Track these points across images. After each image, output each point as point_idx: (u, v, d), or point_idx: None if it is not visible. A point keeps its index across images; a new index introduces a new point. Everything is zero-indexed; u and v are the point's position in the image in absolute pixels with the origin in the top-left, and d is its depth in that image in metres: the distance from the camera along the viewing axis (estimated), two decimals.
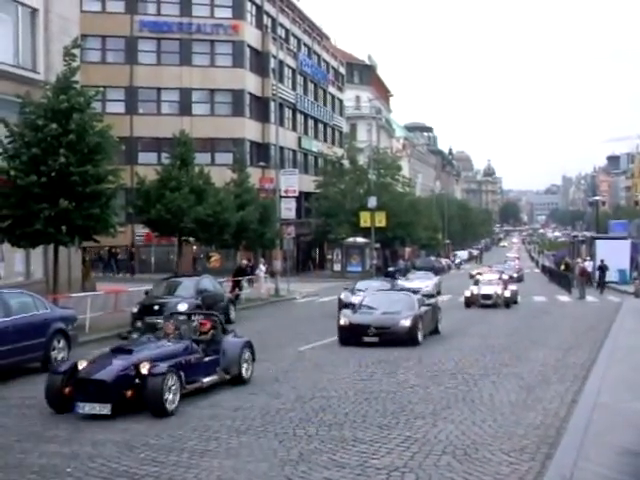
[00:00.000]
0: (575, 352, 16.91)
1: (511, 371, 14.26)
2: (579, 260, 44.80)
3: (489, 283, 31.61)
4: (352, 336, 18.11)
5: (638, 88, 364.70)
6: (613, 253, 43.60)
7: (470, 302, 29.71)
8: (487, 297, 29.67)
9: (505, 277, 41.29)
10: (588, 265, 40.78)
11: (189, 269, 41.70)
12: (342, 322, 18.58)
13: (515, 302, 30.85)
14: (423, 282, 36.66)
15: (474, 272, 51.81)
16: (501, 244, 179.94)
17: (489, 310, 28.44)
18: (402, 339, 17.83)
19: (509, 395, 11.94)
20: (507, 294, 29.84)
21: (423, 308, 19.60)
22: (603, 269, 40.68)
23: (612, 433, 8.78)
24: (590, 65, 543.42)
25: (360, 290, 25.87)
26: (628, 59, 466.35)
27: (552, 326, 23.15)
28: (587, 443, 8.26)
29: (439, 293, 36.07)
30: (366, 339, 17.85)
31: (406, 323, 18.16)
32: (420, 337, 18.38)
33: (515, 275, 52.49)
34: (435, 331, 20.39)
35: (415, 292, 21.88)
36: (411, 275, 41.77)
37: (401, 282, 34.93)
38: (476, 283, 33.23)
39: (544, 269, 76.35)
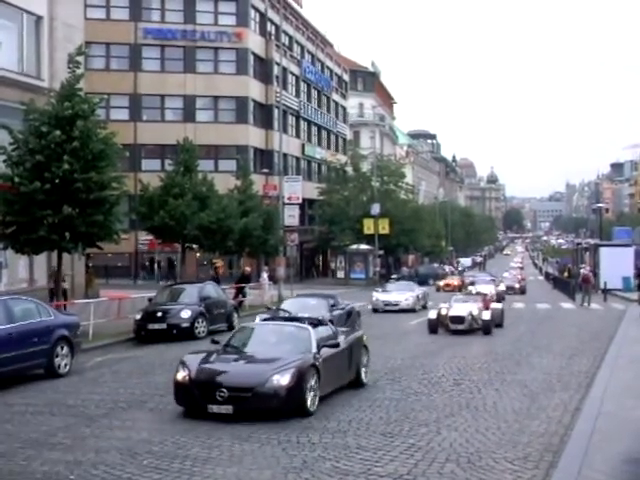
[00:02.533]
0: (579, 360, 16.87)
1: (515, 379, 14.23)
2: (582, 267, 44.75)
3: (464, 301, 24.05)
4: (193, 401, 11.02)
5: None
6: (617, 260, 43.54)
7: (435, 326, 22.63)
8: (458, 320, 22.33)
9: (501, 288, 39.72)
10: (588, 272, 40.68)
11: (193, 276, 41.68)
12: (179, 376, 11.21)
13: (499, 325, 23.79)
14: (402, 294, 31.99)
15: (467, 280, 49.84)
16: (504, 252, 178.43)
17: (459, 338, 21.39)
18: (274, 408, 10.67)
19: (513, 403, 11.91)
20: (485, 316, 22.40)
21: (326, 351, 11.96)
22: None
23: (616, 441, 8.75)
24: (594, 72, 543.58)
25: (285, 311, 18.88)
26: (632, 66, 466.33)
27: (556, 333, 23.10)
28: (591, 451, 8.24)
29: (425, 307, 31.67)
30: (214, 408, 10.66)
31: (282, 380, 10.68)
32: (310, 403, 10.99)
33: (517, 286, 50.43)
34: (356, 382, 13.18)
35: (318, 322, 13.64)
36: (390, 285, 35.84)
37: (377, 294, 32.39)
38: (474, 290, 31.07)
39: (548, 276, 76.32)
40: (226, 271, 45.15)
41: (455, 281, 51.20)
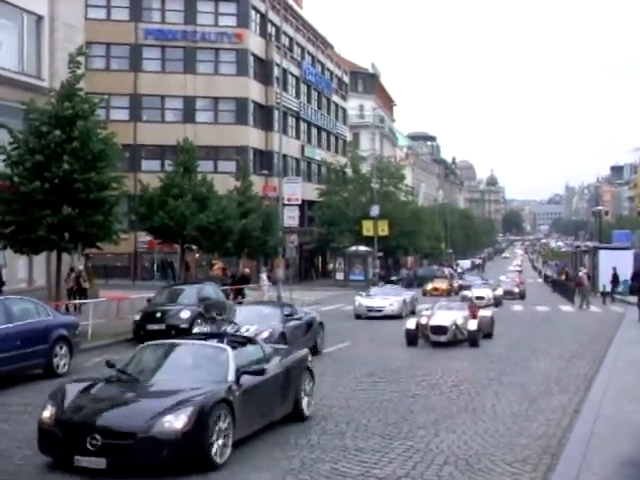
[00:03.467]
0: (578, 362, 16.87)
1: (513, 381, 14.23)
2: (580, 270, 44.78)
3: (448, 308, 21.28)
4: (58, 450, 8.30)
5: None
6: (616, 263, 43.49)
7: (414, 337, 19.68)
8: (440, 330, 19.46)
9: (499, 293, 38.34)
10: (582, 274, 40.64)
11: (192, 276, 41.66)
12: (44, 415, 8.57)
13: (488, 335, 21.21)
14: (387, 299, 29.49)
15: (456, 284, 48.08)
16: (503, 255, 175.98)
17: (440, 350, 18.74)
18: (164, 461, 8.04)
19: (511, 405, 11.90)
20: (472, 326, 19.56)
21: (248, 379, 9.38)
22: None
23: (614, 444, 8.75)
24: (594, 75, 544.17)
25: (234, 323, 16.52)
26: (632, 69, 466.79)
27: (554, 336, 23.10)
28: (589, 454, 8.23)
29: (413, 313, 28.46)
30: (82, 461, 7.97)
31: (175, 423, 8.08)
32: (217, 451, 8.35)
33: (516, 290, 47.00)
34: (295, 415, 10.68)
35: (247, 341, 11.14)
36: (375, 290, 32.80)
37: (360, 299, 29.83)
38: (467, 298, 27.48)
39: (547, 279, 76.30)
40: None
41: (444, 285, 47.59)
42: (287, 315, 17.93)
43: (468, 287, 44.18)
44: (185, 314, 21.61)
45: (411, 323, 20.00)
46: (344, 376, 14.76)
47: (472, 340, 19.52)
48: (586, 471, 7.61)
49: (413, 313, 28.41)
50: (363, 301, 29.69)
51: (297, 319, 17.85)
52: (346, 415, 11.17)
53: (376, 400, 12.30)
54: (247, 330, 15.44)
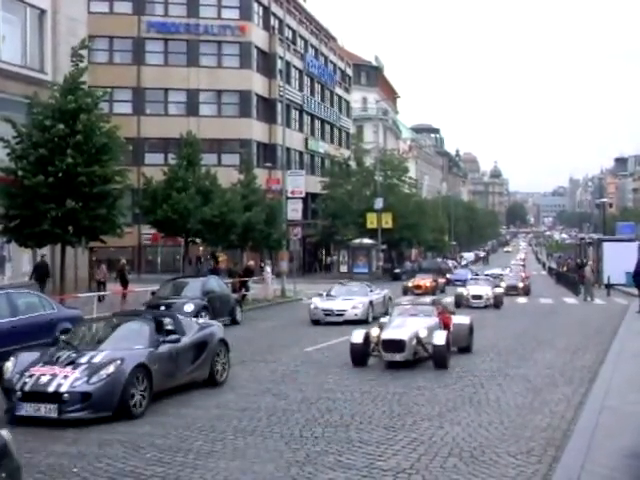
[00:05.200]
0: (582, 354, 16.86)
1: (518, 373, 14.22)
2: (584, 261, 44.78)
3: (410, 314, 16.15)
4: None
5: None
6: (620, 255, 43.46)
7: (362, 354, 15.03)
8: (394, 346, 14.63)
9: (499, 290, 32.72)
10: (588, 267, 40.62)
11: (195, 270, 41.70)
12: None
13: (466, 350, 16.70)
14: (349, 301, 24.49)
15: (441, 280, 44.22)
16: (506, 249, 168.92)
17: (398, 376, 13.92)
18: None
19: (516, 397, 11.90)
20: (438, 340, 14.52)
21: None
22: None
23: (619, 436, 8.75)
24: (598, 67, 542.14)
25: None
26: (636, 60, 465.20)
27: (559, 328, 23.09)
28: (594, 446, 8.23)
29: (387, 313, 20.50)
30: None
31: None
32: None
33: (520, 285, 42.51)
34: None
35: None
36: (336, 289, 26.71)
37: (316, 301, 24.95)
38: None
39: (551, 271, 76.29)
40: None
41: (427, 281, 41.21)
42: (166, 332, 12.14)
43: (461, 282, 41.06)
44: (189, 307, 21.63)
45: (358, 335, 14.95)
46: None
47: (438, 359, 14.46)
48: (590, 463, 7.61)
49: (387, 313, 21.86)
50: (320, 304, 24.50)
51: (173, 341, 11.80)
52: (350, 407, 11.18)
53: (380, 392, 12.31)
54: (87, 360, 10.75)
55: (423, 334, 14.83)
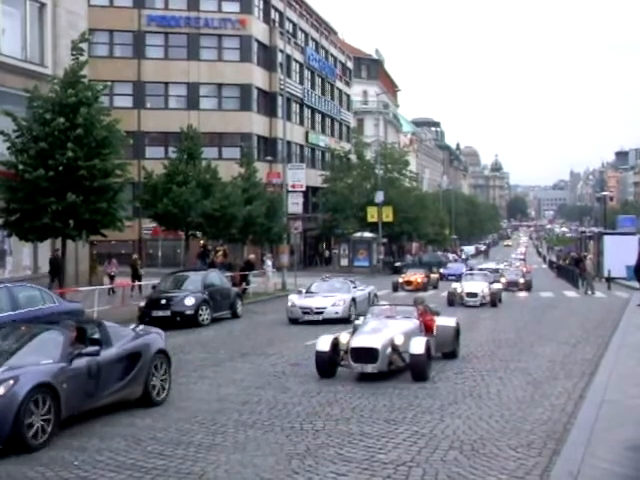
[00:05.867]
0: (583, 348, 16.86)
1: (518, 366, 14.23)
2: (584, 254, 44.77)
3: (386, 316, 14.47)
4: None
5: None
6: (621, 248, 43.46)
7: (329, 364, 13.06)
8: (365, 355, 12.59)
9: (497, 286, 30.22)
10: (587, 260, 40.61)
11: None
12: None
13: (451, 355, 14.95)
14: (330, 298, 22.73)
15: (434, 275, 41.97)
16: (505, 243, 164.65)
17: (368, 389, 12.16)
18: None
19: (516, 391, 11.91)
20: (417, 348, 12.51)
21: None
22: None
23: (619, 429, 8.75)
24: (599, 59, 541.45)
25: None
26: (636, 52, 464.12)
27: (559, 321, 23.09)
28: (594, 439, 8.24)
29: None
30: None
31: None
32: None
33: (521, 280, 39.81)
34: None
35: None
36: (317, 285, 24.83)
37: (294, 298, 23.04)
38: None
39: (551, 265, 76.30)
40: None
41: (419, 277, 38.41)
42: (91, 341, 10.25)
43: (455, 277, 39.57)
44: (190, 301, 21.65)
45: (324, 343, 13.03)
46: None
47: (416, 370, 12.55)
48: (591, 456, 7.61)
49: None
50: (298, 301, 22.75)
51: (92, 354, 9.79)
52: (351, 400, 11.19)
53: (381, 385, 12.32)
54: None
55: (400, 340, 12.84)
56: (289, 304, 22.90)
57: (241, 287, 30.45)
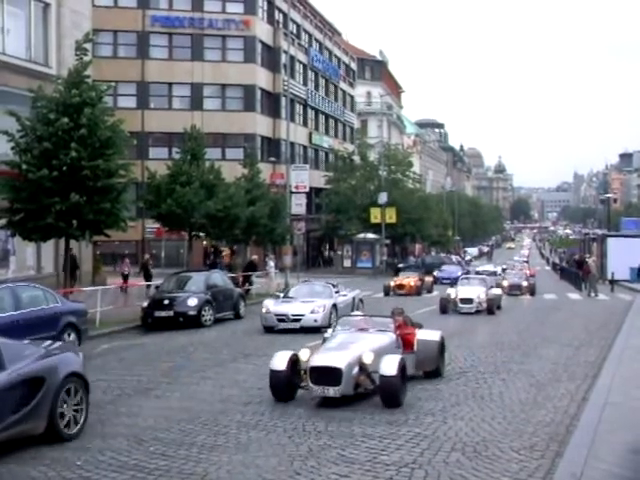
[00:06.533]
0: (586, 350, 16.84)
1: (521, 368, 14.21)
2: (587, 256, 44.71)
3: (359, 327, 12.64)
4: None
5: None
6: (625, 251, 43.43)
7: (286, 384, 11.17)
8: (327, 376, 10.72)
9: (496, 292, 27.90)
10: (590, 263, 40.57)
11: (199, 264, 41.73)
12: None
13: (434, 374, 13.06)
14: (308, 304, 20.75)
15: (428, 279, 38.51)
16: (507, 245, 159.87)
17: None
18: None
19: (519, 393, 11.89)
20: (389, 368, 10.63)
21: None
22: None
23: (622, 431, 8.74)
24: (603, 62, 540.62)
25: None
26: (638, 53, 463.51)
27: (562, 323, 23.06)
28: (597, 441, 8.22)
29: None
30: None
31: None
32: None
33: (524, 284, 37.15)
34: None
35: None
36: (296, 289, 23.47)
37: (269, 304, 20.93)
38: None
39: (555, 267, 76.19)
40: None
41: (412, 280, 36.10)
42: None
43: (451, 281, 37.00)
44: (193, 301, 21.66)
45: (281, 360, 11.21)
46: None
47: (386, 395, 10.64)
48: (594, 458, 7.60)
49: None
50: (273, 307, 20.81)
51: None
52: (353, 402, 11.18)
53: None
54: None
55: (369, 359, 10.91)
56: (263, 310, 20.79)
57: (244, 288, 30.46)
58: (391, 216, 57.78)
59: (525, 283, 37.48)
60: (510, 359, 15.40)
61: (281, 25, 57.62)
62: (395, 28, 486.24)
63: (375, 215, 57.91)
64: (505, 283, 36.10)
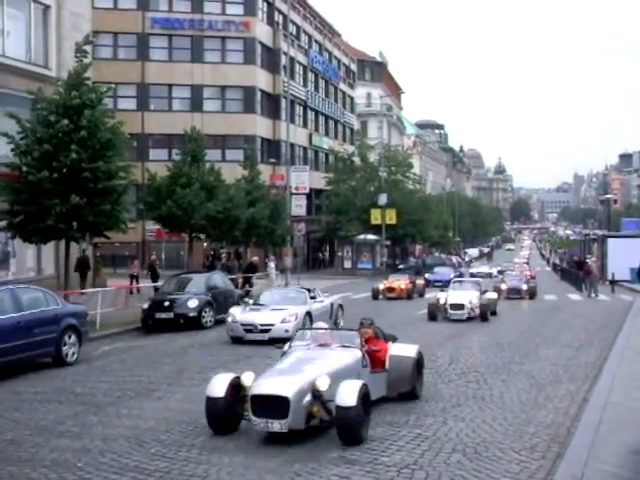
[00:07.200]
0: (586, 351, 16.84)
1: (522, 369, 14.21)
2: (588, 258, 44.69)
3: (319, 343, 10.75)
4: None
5: None
6: (625, 251, 43.42)
7: (223, 416, 9.26)
8: (268, 407, 8.76)
9: (490, 296, 25.68)
10: (591, 263, 40.57)
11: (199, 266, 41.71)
12: None
13: (410, 396, 11.24)
14: (278, 312, 18.74)
15: (419, 281, 36.48)
16: (507, 247, 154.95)
17: None
18: None
19: (520, 393, 11.89)
20: (347, 397, 8.72)
21: None
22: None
23: (623, 432, 8.74)
24: (603, 62, 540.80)
25: None
26: (637, 53, 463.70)
27: (563, 324, 23.06)
28: (598, 442, 8.22)
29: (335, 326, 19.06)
30: None
31: None
32: None
33: (524, 287, 34.97)
34: None
35: None
36: (266, 295, 21.06)
37: (236, 312, 18.92)
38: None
39: (555, 267, 76.20)
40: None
41: (402, 283, 33.81)
42: None
43: (443, 284, 34.83)
44: (193, 303, 21.65)
45: (219, 385, 9.44)
46: None
47: (344, 430, 8.77)
48: (594, 459, 7.60)
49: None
50: (240, 316, 18.82)
51: None
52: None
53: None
54: None
55: (324, 384, 8.98)
56: (229, 319, 18.87)
57: (244, 289, 30.47)
58: (391, 217, 57.78)
59: (525, 286, 35.25)
60: (510, 359, 15.39)
61: (281, 26, 57.62)
62: (395, 29, 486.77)
63: (375, 216, 57.91)
64: (503, 286, 34.37)
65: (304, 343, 10.87)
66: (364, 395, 8.96)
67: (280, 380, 9.10)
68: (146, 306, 21.82)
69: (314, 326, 12.33)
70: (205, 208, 29.95)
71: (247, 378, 9.43)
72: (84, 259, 27.98)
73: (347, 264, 59.53)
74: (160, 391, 12.32)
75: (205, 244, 42.56)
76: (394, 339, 11.93)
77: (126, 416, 10.46)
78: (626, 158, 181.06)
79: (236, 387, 9.42)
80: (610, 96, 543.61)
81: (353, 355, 10.28)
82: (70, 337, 15.31)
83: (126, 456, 8.44)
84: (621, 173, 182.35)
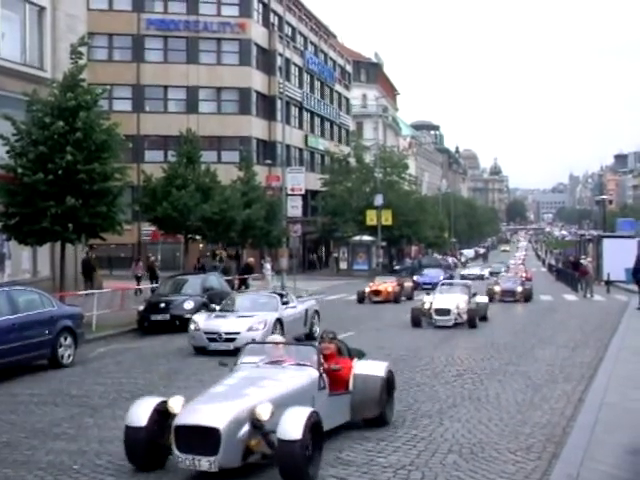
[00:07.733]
0: (582, 351, 16.86)
1: (517, 370, 14.22)
2: (583, 258, 44.74)
3: (271, 359, 9.10)
4: None
5: None
6: (620, 252, 43.47)
7: (141, 450, 7.83)
8: (198, 438, 7.24)
9: (481, 300, 24.05)
10: (587, 264, 40.58)
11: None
12: None
13: (379, 420, 9.55)
14: (245, 320, 17.02)
15: (407, 283, 34.73)
16: (502, 248, 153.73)
17: None
18: None
19: (515, 394, 11.91)
20: (289, 431, 7.17)
21: None
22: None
23: (619, 432, 8.75)
24: (598, 63, 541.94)
25: None
26: (634, 54, 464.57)
27: (559, 325, 23.09)
28: (594, 442, 8.24)
29: (311, 336, 18.60)
30: None
31: None
32: None
33: (518, 289, 32.99)
34: None
35: None
36: (241, 299, 19.57)
37: (200, 319, 17.16)
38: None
39: (551, 268, 76.27)
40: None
41: (389, 285, 32.08)
42: None
43: (432, 286, 32.06)
44: (189, 304, 21.63)
45: (141, 412, 8.07)
46: None
47: (285, 468, 7.25)
48: (590, 459, 7.61)
49: (311, 337, 18.51)
50: (204, 323, 17.13)
51: None
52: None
53: None
54: None
55: (266, 412, 7.50)
56: (192, 327, 17.11)
57: (240, 290, 30.46)
58: (387, 218, 57.82)
59: (520, 288, 33.22)
60: (506, 360, 15.40)
61: (276, 28, 57.63)
62: (390, 30, 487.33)
63: (371, 217, 57.94)
64: (497, 288, 32.69)
65: (254, 360, 9.10)
66: (313, 425, 7.42)
67: (210, 408, 7.56)
68: (142, 308, 21.80)
69: (267, 340, 10.74)
70: (201, 209, 29.96)
71: (175, 403, 7.96)
72: (89, 261, 28.15)
73: (343, 265, 59.53)
74: (156, 393, 12.27)
75: (201, 245, 42.53)
76: (361, 355, 10.32)
77: (122, 418, 10.34)
78: (621, 159, 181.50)
79: (162, 414, 7.94)
80: (606, 97, 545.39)
81: (308, 375, 8.69)
82: (66, 339, 15.29)
83: (122, 458, 8.42)
84: (616, 174, 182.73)
